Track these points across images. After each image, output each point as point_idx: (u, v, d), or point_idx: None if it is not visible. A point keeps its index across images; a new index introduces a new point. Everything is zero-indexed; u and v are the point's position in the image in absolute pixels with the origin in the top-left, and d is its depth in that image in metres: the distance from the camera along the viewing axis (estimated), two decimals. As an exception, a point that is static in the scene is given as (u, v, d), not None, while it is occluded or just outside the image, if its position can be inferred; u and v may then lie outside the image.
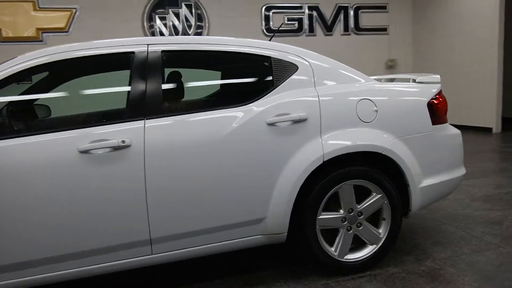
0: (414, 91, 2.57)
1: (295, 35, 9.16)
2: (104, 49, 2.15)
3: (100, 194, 1.96)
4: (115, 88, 2.21)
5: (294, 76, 2.36)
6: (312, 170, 2.25)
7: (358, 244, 2.49)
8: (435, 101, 2.56)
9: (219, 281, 2.43)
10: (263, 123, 2.19)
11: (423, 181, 2.50)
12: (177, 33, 8.28)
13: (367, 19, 9.65)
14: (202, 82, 2.47)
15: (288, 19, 9.06)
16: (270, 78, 2.33)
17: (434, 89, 2.60)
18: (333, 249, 2.40)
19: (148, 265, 2.13)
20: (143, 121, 2.06)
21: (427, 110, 2.52)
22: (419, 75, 2.79)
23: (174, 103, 2.27)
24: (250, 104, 2.22)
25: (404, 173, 2.43)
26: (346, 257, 2.42)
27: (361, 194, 2.42)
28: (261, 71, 2.39)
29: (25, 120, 2.23)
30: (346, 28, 9.51)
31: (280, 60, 2.36)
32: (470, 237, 2.87)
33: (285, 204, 2.23)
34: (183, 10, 8.28)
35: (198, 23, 8.39)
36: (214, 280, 2.44)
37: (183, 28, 8.31)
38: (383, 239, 2.47)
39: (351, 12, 9.48)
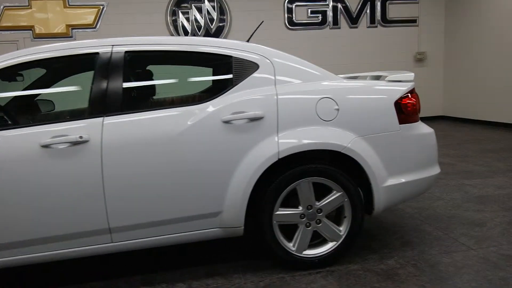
0: (381, 89, 2.55)
1: (318, 28, 9.08)
2: (71, 50, 2.31)
3: (61, 186, 2.14)
4: (81, 87, 2.36)
5: (255, 75, 2.42)
6: (267, 167, 2.31)
7: (322, 240, 2.53)
8: (404, 100, 2.53)
9: (184, 270, 2.55)
10: (218, 121, 2.27)
11: (388, 180, 2.49)
12: (199, 28, 8.46)
13: (395, 11, 9.38)
14: (164, 81, 2.57)
15: (311, 12, 8.99)
16: (230, 76, 2.41)
17: (404, 88, 2.57)
18: (291, 244, 2.45)
19: (110, 252, 2.29)
20: (102, 118, 2.21)
21: (394, 109, 2.50)
22: (395, 72, 2.76)
23: (134, 101, 2.40)
24: (208, 102, 2.31)
25: (366, 172, 2.44)
26: (304, 252, 2.47)
27: (324, 191, 2.46)
28: (222, 70, 2.47)
29: None
30: (372, 20, 9.29)
31: (241, 59, 2.43)
32: (445, 238, 2.81)
33: (240, 199, 2.31)
34: (206, 5, 8.43)
35: (220, 17, 8.52)
36: (176, 270, 2.57)
37: (205, 23, 8.47)
38: (344, 237, 2.49)
39: (378, 4, 9.25)
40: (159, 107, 2.30)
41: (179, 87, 2.57)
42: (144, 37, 2.43)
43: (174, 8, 8.34)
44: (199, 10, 8.44)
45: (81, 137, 2.14)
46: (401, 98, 2.53)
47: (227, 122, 2.28)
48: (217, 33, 8.55)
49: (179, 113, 2.27)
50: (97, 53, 2.32)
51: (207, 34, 8.51)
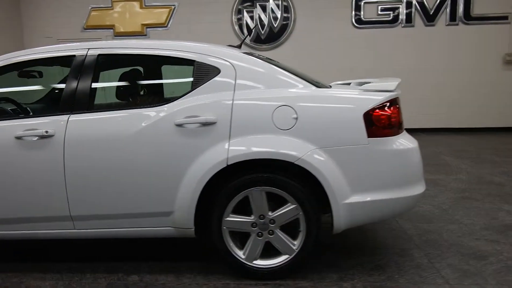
0: (351, 99, 2.38)
1: (389, 27, 8.56)
2: (53, 52, 2.56)
3: (30, 173, 2.40)
4: (57, 86, 2.59)
5: (216, 79, 2.43)
6: (215, 172, 2.31)
7: (278, 251, 2.46)
8: (376, 112, 2.33)
9: (144, 263, 2.68)
10: (171, 124, 2.34)
11: (350, 197, 2.32)
12: (263, 26, 8.54)
13: (481, 6, 8.43)
14: (130, 83, 2.70)
15: (382, 9, 8.50)
16: (190, 80, 2.45)
17: (380, 98, 2.36)
18: (241, 252, 2.43)
19: (74, 238, 2.51)
20: (68, 115, 2.42)
21: (363, 120, 2.31)
22: (380, 80, 2.56)
23: (99, 101, 2.56)
24: (165, 105, 2.39)
25: (323, 186, 2.30)
26: (255, 262, 2.42)
27: (283, 202, 2.38)
28: (183, 74, 2.52)
29: None
30: (453, 17, 8.48)
31: (203, 63, 2.46)
32: (426, 268, 2.53)
33: (189, 202, 2.35)
34: (270, 3, 8.48)
35: (285, 15, 8.50)
36: (138, 262, 2.70)
37: (269, 21, 8.53)
38: (297, 251, 2.39)
39: (462, -2, 8.39)
40: (121, 108, 2.44)
41: (143, 89, 2.69)
42: (118, 41, 2.59)
43: (239, 7, 8.53)
44: (264, 8, 8.52)
45: (46, 131, 2.37)
46: (373, 109, 2.33)
47: (180, 125, 2.33)
48: (281, 32, 8.55)
49: (136, 114, 2.38)
50: (74, 55, 2.54)
51: (271, 32, 8.56)
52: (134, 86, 2.72)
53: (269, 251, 2.41)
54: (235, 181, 2.34)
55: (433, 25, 8.53)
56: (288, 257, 2.40)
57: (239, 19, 8.58)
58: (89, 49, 2.55)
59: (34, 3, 8.82)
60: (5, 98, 2.86)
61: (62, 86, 2.50)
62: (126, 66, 2.68)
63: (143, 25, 8.70)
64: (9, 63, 2.56)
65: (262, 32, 8.58)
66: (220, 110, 2.34)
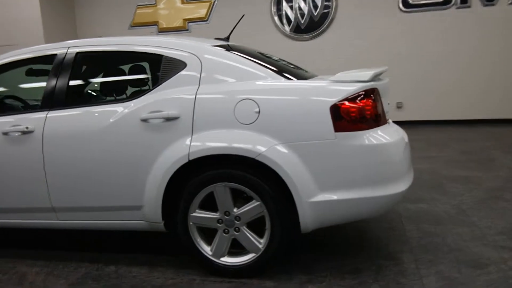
0: (317, 91, 2.22)
1: (440, 9, 7.89)
2: (37, 52, 2.69)
3: (15, 167, 2.56)
4: (41, 84, 2.71)
5: (182, 73, 2.40)
6: (177, 168, 2.29)
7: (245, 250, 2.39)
8: (345, 104, 2.15)
9: (124, 255, 2.74)
10: (137, 119, 2.35)
11: (317, 195, 2.18)
12: (302, 15, 8.32)
13: (552, -19, 7.45)
14: (104, 79, 2.75)
15: (432, -10, 7.85)
16: (158, 75, 2.44)
17: (350, 89, 2.18)
18: (209, 248, 2.39)
19: (58, 228, 2.65)
20: (47, 112, 2.53)
21: (329, 114, 2.15)
22: (360, 71, 2.36)
23: (75, 97, 2.64)
24: (133, 100, 2.41)
25: (286, 183, 2.19)
26: (222, 259, 2.37)
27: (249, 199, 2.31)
28: (152, 69, 2.52)
29: None
30: (516, -6, 7.59)
31: (170, 57, 2.43)
32: (409, 274, 2.30)
33: (155, 196, 2.36)
34: (310, -9, 8.22)
35: (325, 3, 8.19)
36: (117, 254, 2.77)
37: (309, 10, 8.28)
38: (263, 250, 2.30)
39: (530, -28, 7.49)
40: (94, 104, 2.51)
41: (116, 85, 2.72)
42: (96, 38, 2.65)
43: (279, -3, 8.38)
44: (304, -3, 8.28)
45: (27, 127, 2.51)
46: (342, 102, 2.16)
47: (144, 120, 2.34)
48: (321, 20, 8.26)
49: (105, 110, 2.43)
50: (56, 54, 2.64)
51: (311, 21, 8.30)
52: (107, 82, 2.78)
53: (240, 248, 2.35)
54: (199, 177, 2.30)
55: (493, 5, 7.71)
56: (255, 256, 2.32)
57: (279, 10, 8.43)
58: (69, 47, 2.64)
59: (87, 3, 9.38)
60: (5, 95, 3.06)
61: (45, 84, 2.63)
62: (101, 63, 2.75)
63: (184, 20, 8.89)
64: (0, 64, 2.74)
65: (302, 22, 8.35)
66: (183, 105, 2.31)
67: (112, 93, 2.65)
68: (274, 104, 2.21)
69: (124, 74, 2.69)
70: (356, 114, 2.16)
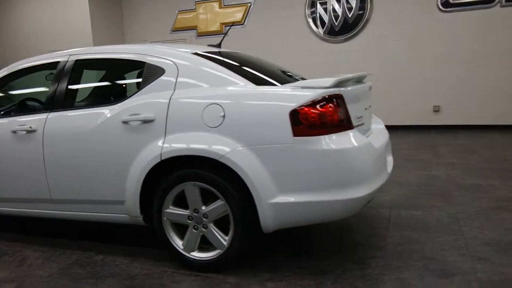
0: (279, 96, 2.31)
1: (483, 8, 7.50)
2: (46, 60, 3.01)
3: (22, 162, 2.89)
4: (46, 89, 3.03)
5: (161, 78, 2.59)
6: (152, 167, 2.48)
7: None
8: (304, 110, 2.23)
9: (112, 246, 2.98)
10: (118, 121, 2.58)
11: (277, 197, 2.28)
12: (336, 17, 8.27)
13: None
14: (96, 84, 3.00)
15: (474, -11, 7.47)
16: (139, 80, 2.65)
17: (310, 94, 2.25)
18: (181, 243, 2.56)
19: (57, 218, 2.94)
20: (48, 113, 2.84)
21: (288, 119, 2.24)
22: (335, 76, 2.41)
23: (71, 101, 2.91)
24: (117, 104, 2.64)
25: (247, 184, 2.30)
26: (192, 253, 2.53)
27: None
28: (135, 75, 2.72)
29: None
30: None
31: (151, 64, 2.63)
32: (370, 279, 2.32)
33: (134, 193, 2.57)
34: (345, -7, 8.15)
35: (360, 5, 8.09)
36: (108, 244, 3.01)
37: (343, 12, 8.21)
38: (227, 247, 2.42)
39: None
40: (86, 106, 2.78)
41: (104, 89, 2.96)
42: (94, 47, 2.92)
43: (313, 0, 8.39)
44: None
45: (30, 127, 2.83)
46: (301, 107, 2.23)
47: (125, 122, 2.56)
48: (356, 22, 8.16)
49: (94, 113, 2.68)
50: (59, 61, 2.95)
51: (345, 23, 8.23)
52: (98, 87, 3.03)
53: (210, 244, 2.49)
54: (171, 175, 2.48)
55: (541, 2, 7.19)
56: (220, 252, 2.45)
57: (313, 12, 8.44)
58: (70, 55, 2.94)
59: (133, 9, 9.98)
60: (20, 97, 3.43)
61: (50, 87, 2.94)
62: (95, 70, 3.01)
63: (222, 24, 9.18)
64: (13, 70, 3.10)
65: (336, 24, 8.30)
66: (158, 108, 2.50)
67: (101, 97, 2.90)
68: (238, 108, 2.33)
69: (112, 79, 2.94)
70: (316, 119, 2.23)
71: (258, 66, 2.93)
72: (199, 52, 2.71)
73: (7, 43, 10.13)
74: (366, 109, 2.72)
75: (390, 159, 3.00)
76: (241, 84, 2.46)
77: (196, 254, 2.53)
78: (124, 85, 2.87)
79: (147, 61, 2.66)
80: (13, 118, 2.96)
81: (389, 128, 8.16)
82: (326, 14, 8.34)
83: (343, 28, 8.27)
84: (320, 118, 2.23)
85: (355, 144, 2.27)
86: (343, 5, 8.19)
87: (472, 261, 2.46)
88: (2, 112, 3.18)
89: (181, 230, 2.58)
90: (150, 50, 2.70)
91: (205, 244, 2.52)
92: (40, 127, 2.82)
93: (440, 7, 7.69)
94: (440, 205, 3.51)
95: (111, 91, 2.88)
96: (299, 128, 2.23)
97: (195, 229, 2.50)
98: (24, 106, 3.18)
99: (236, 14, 9.01)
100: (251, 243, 2.43)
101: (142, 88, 2.62)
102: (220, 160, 2.31)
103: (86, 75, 2.92)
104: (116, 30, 9.90)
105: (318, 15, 8.40)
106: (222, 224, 2.46)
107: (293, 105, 2.24)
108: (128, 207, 2.64)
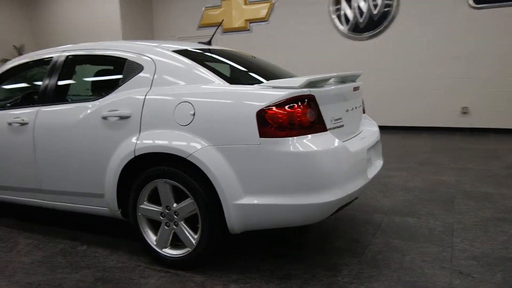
0: (247, 95, 2.27)
1: (508, 5, 7.03)
2: (42, 55, 3.12)
3: (16, 152, 3.02)
4: (39, 83, 3.13)
5: (140, 75, 2.61)
6: (126, 162, 2.52)
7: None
8: (271, 110, 2.18)
9: (101, 237, 3.06)
10: (99, 116, 2.64)
11: (242, 198, 2.25)
12: (361, 14, 8.04)
13: None
14: (82, 79, 3.07)
15: (507, -16, 7.02)
16: (120, 77, 2.69)
17: (279, 94, 2.20)
18: (155, 238, 2.58)
19: (49, 207, 3.05)
20: (39, 107, 2.95)
21: (255, 119, 2.20)
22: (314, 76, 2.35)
23: (60, 95, 2.98)
24: (99, 100, 2.70)
25: (213, 183, 2.29)
26: (164, 250, 2.55)
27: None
28: (117, 71, 2.75)
29: None
30: None
31: (131, 61, 2.67)
32: (321, 287, 2.24)
33: (111, 187, 2.63)
34: (371, -10, 7.91)
35: (386, 2, 7.81)
36: (95, 235, 3.09)
37: (368, 8, 7.97)
38: (195, 245, 2.42)
39: None
40: (71, 101, 2.86)
41: (88, 85, 3.02)
42: (83, 43, 3.00)
43: (338, -4, 8.20)
44: (363, -5, 7.99)
45: (23, 120, 2.95)
46: (269, 107, 2.19)
47: (104, 118, 2.62)
48: (381, 19, 7.89)
49: (78, 107, 2.75)
50: (52, 57, 3.05)
51: (370, 20, 7.98)
52: (83, 82, 3.11)
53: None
54: (144, 172, 2.50)
55: None
56: (189, 250, 2.46)
57: (337, 10, 8.25)
58: (63, 51, 3.03)
59: (162, 6, 10.16)
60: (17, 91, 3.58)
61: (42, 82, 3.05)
62: (84, 65, 3.08)
63: (246, 20, 9.16)
64: (11, 66, 3.24)
65: (361, 21, 8.08)
66: (134, 105, 2.53)
67: (86, 92, 2.98)
68: (207, 107, 2.32)
69: (97, 75, 3.01)
70: (283, 120, 2.17)
71: (245, 65, 2.90)
72: (178, 49, 2.71)
73: (44, 41, 10.63)
74: (348, 110, 2.62)
75: (378, 163, 2.89)
76: (215, 83, 2.44)
77: (168, 251, 2.55)
78: (106, 81, 2.92)
79: (128, 58, 2.69)
80: (10, 111, 3.10)
81: (413, 130, 7.89)
82: (351, 10, 8.12)
83: (368, 25, 8.03)
84: (288, 119, 2.18)
85: (323, 147, 2.20)
86: (369, 2, 7.94)
87: (451, 276, 2.32)
88: (7, 105, 3.31)
89: (156, 227, 2.61)
90: (131, 47, 2.74)
91: (179, 241, 2.53)
92: (31, 120, 2.94)
93: (472, 3, 7.29)
94: (439, 213, 3.34)
95: (95, 86, 2.95)
96: (266, 129, 2.18)
97: (167, 226, 2.52)
98: (23, 100, 3.31)
99: (261, 11, 8.97)
100: (219, 243, 2.42)
101: (122, 85, 2.66)
102: (188, 158, 2.31)
103: (76, 70, 3.00)
104: (145, 26, 10.13)
105: (342, 11, 8.20)
106: (194, 222, 2.46)
107: (260, 105, 2.20)
108: (107, 200, 2.69)
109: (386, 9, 7.84)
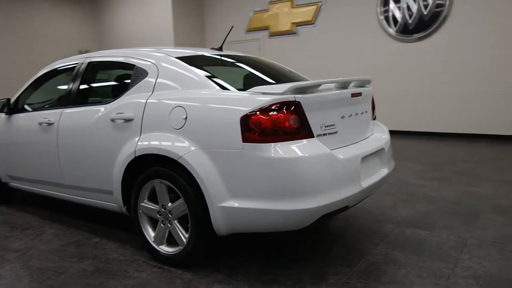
0: (234, 101, 2.32)
1: None
2: (68, 62, 3.42)
3: (44, 149, 3.33)
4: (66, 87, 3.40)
5: (145, 79, 2.77)
6: (128, 162, 2.69)
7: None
8: (255, 116, 2.21)
9: (117, 232, 3.26)
10: (108, 118, 2.83)
11: (227, 201, 2.31)
12: (410, 15, 7.71)
13: None
14: (98, 84, 3.28)
15: None
16: (128, 81, 2.87)
17: (264, 100, 2.23)
18: (153, 235, 2.72)
19: (71, 201, 3.32)
20: (63, 108, 3.22)
21: (239, 124, 2.25)
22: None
23: (81, 98, 3.22)
24: (110, 103, 2.89)
25: (200, 186, 2.37)
26: (161, 246, 2.68)
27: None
28: (127, 76, 2.92)
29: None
30: None
31: (138, 67, 2.83)
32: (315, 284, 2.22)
33: (117, 185, 2.81)
34: (421, -11, 7.55)
35: (438, 1, 7.41)
36: (112, 229, 3.30)
37: (418, 9, 7.62)
38: (186, 244, 2.52)
39: None
40: (89, 104, 3.09)
41: (103, 89, 3.23)
42: (106, 50, 3.22)
43: (386, -3, 7.93)
44: (413, -4, 7.65)
45: (49, 120, 3.24)
46: (253, 113, 2.23)
47: (112, 120, 2.81)
48: (432, 20, 7.49)
49: (93, 110, 2.98)
50: (77, 63, 3.32)
51: (420, 21, 7.61)
52: (100, 87, 3.32)
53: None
54: (143, 172, 2.65)
55: None
56: (181, 248, 2.56)
57: (385, 11, 7.98)
58: (86, 58, 3.28)
59: (213, 11, 10.47)
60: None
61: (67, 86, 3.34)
62: (101, 71, 3.30)
63: (292, 24, 9.16)
64: (45, 72, 3.58)
65: (410, 22, 7.74)
66: (137, 108, 2.68)
67: (101, 96, 3.20)
68: (198, 111, 2.40)
69: (110, 80, 3.22)
70: (266, 126, 2.20)
71: (255, 70, 2.98)
72: (182, 56, 2.82)
73: (106, 46, 11.43)
74: (344, 117, 2.56)
75: (382, 171, 2.79)
76: (209, 88, 2.52)
77: (163, 248, 2.67)
78: (117, 86, 3.12)
79: (136, 64, 2.86)
80: (42, 112, 3.42)
81: (464, 137, 7.38)
82: (400, 12, 7.81)
83: (418, 26, 7.67)
84: (270, 125, 2.19)
85: (305, 153, 2.19)
86: (419, 2, 7.59)
87: (442, 293, 2.19)
88: (43, 106, 3.65)
89: (155, 224, 2.74)
90: (140, 53, 2.91)
91: (174, 239, 2.64)
92: (56, 121, 3.22)
93: (535, 1, 6.68)
94: (457, 227, 3.14)
95: (108, 90, 3.16)
96: (249, 134, 2.22)
97: (163, 224, 2.64)
98: (53, 102, 3.62)
99: (307, 14, 8.92)
100: (208, 243, 2.48)
101: (130, 89, 2.83)
102: (179, 160, 2.41)
103: (94, 75, 3.24)
104: (197, 30, 10.51)
105: (390, 13, 7.92)
106: (187, 222, 2.56)
107: (244, 110, 2.24)
108: (115, 197, 2.88)
109: (437, 9, 7.44)
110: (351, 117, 2.65)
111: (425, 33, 7.61)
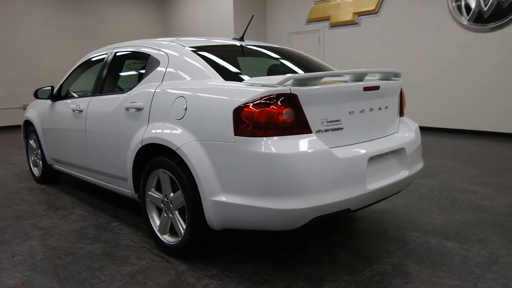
0: (229, 92, 2.24)
1: None
2: (100, 52, 3.56)
3: (76, 134, 3.52)
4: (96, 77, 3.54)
5: (157, 69, 2.79)
6: (137, 151, 2.73)
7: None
8: (247, 109, 2.11)
9: (135, 218, 3.35)
10: (123, 107, 2.90)
11: (219, 195, 2.24)
12: (486, 3, 6.94)
13: None
14: (121, 74, 3.33)
15: None
16: (143, 71, 2.90)
17: (258, 91, 2.12)
18: (158, 224, 2.74)
19: (96, 185, 3.48)
20: (91, 97, 3.37)
21: (231, 116, 2.17)
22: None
23: (107, 87, 3.31)
24: (126, 92, 2.96)
25: (194, 178, 2.33)
26: (164, 236, 2.69)
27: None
28: (142, 66, 2.95)
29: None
30: None
31: (153, 57, 2.85)
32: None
33: (129, 172, 2.88)
34: (499, -27, 6.76)
35: (519, -14, 6.58)
36: (132, 216, 3.38)
37: (495, -5, 6.82)
38: (183, 235, 2.50)
39: None
40: (112, 93, 3.19)
41: (125, 78, 3.29)
42: (130, 41, 3.30)
43: (458, -16, 7.21)
44: (489, -19, 6.86)
45: (79, 107, 3.42)
46: (245, 105, 2.13)
47: (127, 109, 2.87)
48: (511, 7, 6.68)
49: (114, 98, 3.07)
50: (106, 53, 3.45)
51: (497, 8, 6.81)
52: (121, 76, 3.39)
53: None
54: (150, 161, 2.67)
55: None
56: (179, 239, 2.55)
57: (457, 0, 7.27)
58: (113, 49, 3.39)
59: (274, 4, 10.35)
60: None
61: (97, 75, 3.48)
62: (123, 60, 3.37)
63: (354, 13, 8.73)
64: (81, 62, 3.76)
65: (485, 10, 6.97)
66: (146, 98, 2.71)
67: (121, 85, 3.28)
68: (197, 102, 2.36)
69: (129, 70, 3.28)
70: (257, 119, 2.09)
71: (273, 61, 2.87)
72: (195, 46, 2.79)
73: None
74: (353, 112, 2.35)
75: (402, 173, 2.54)
76: (213, 78, 2.46)
77: (166, 237, 2.68)
78: (134, 75, 3.17)
79: (151, 54, 2.89)
80: (75, 99, 3.62)
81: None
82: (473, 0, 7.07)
83: (494, 14, 6.88)
84: (262, 118, 2.08)
85: (297, 150, 2.04)
86: (497, -13, 6.80)
87: (446, 316, 1.93)
88: (78, 94, 3.87)
89: (161, 213, 2.76)
90: (155, 43, 2.94)
91: (177, 229, 2.65)
92: (85, 108, 3.38)
93: None
94: (494, 241, 2.76)
95: (126, 80, 3.24)
96: (241, 127, 2.13)
97: (166, 214, 2.65)
98: (85, 91, 3.81)
99: (370, 3, 8.44)
100: (201, 236, 2.43)
101: (143, 78, 2.87)
102: (176, 151, 2.39)
103: (118, 65, 3.34)
104: (259, 21, 10.47)
105: (463, 2, 7.19)
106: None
107: (237, 102, 2.15)
108: (129, 184, 2.95)
109: (518, -5, 6.61)
110: (363, 113, 2.42)
111: (502, 22, 6.81)
